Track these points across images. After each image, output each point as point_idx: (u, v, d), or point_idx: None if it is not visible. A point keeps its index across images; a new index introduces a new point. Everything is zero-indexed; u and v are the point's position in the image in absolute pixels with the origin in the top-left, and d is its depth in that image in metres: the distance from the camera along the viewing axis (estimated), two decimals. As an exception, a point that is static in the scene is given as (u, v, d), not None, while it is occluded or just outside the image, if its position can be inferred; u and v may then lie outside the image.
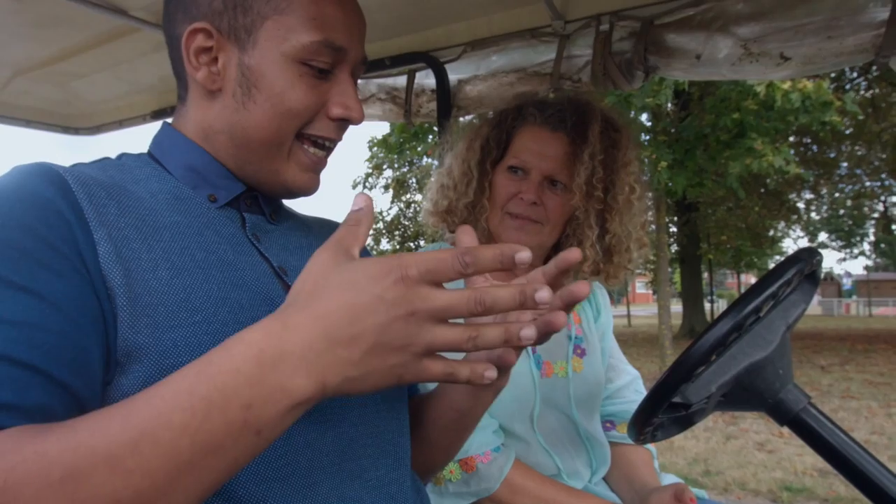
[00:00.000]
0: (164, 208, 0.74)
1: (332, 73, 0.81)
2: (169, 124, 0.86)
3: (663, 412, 0.90)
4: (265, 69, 0.77)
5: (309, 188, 0.85)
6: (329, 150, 0.86)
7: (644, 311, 38.91)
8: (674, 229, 17.67)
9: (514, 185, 1.36)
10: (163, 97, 2.38)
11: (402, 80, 2.03)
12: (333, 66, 0.81)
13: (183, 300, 0.67)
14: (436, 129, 1.96)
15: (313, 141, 0.83)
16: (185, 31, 0.78)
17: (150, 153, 0.85)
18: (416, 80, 2.01)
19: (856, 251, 29.98)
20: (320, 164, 0.85)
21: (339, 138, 0.86)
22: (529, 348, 1.34)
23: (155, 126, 0.93)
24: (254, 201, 0.85)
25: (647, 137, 11.55)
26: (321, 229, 0.98)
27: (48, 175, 0.66)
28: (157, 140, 0.86)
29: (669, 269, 17.05)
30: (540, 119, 1.37)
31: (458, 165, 1.42)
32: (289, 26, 0.77)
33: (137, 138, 0.87)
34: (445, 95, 1.91)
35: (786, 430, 0.88)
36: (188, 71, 0.80)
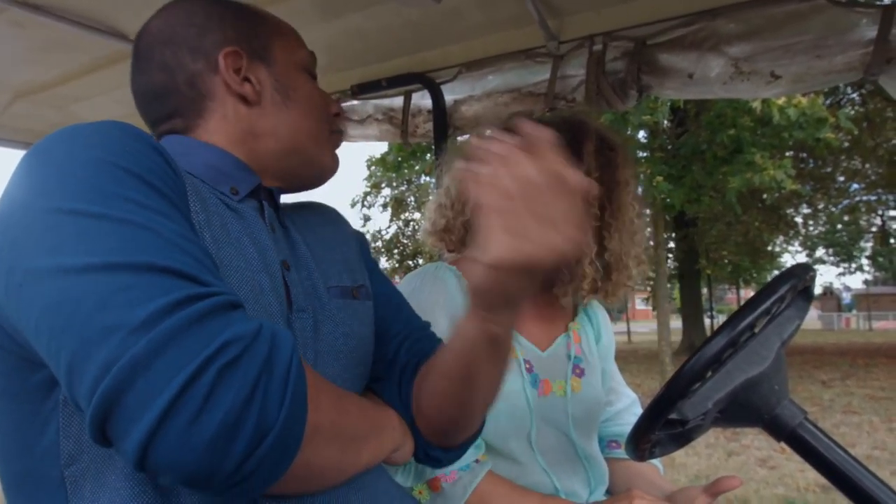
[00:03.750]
0: (202, 187, 0.80)
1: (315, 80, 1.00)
2: (176, 134, 0.90)
3: (660, 429, 0.90)
4: (291, 77, 0.93)
5: (336, 167, 1.00)
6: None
7: (644, 328, 38.85)
8: (672, 245, 17.69)
9: None
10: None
11: (398, 101, 2.05)
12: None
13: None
14: (433, 148, 1.98)
15: (337, 134, 1.01)
16: (220, 56, 0.87)
17: None
18: (412, 101, 2.03)
19: (853, 265, 29.99)
20: (339, 144, 1.03)
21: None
22: (524, 366, 1.34)
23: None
24: (269, 195, 0.91)
25: (645, 154, 11.61)
26: (315, 221, 1.03)
27: (145, 135, 0.72)
28: (168, 145, 0.88)
29: (668, 285, 17.05)
30: None
31: (456, 184, 1.43)
32: (290, 44, 0.95)
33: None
34: (441, 116, 1.92)
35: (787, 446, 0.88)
36: (218, 90, 0.88)
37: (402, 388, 0.92)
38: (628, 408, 1.54)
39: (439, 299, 1.32)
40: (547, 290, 1.48)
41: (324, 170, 0.97)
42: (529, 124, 0.70)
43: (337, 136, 1.00)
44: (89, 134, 0.67)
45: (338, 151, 1.01)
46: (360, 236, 1.09)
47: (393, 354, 0.95)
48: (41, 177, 0.63)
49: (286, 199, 0.99)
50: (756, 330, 0.90)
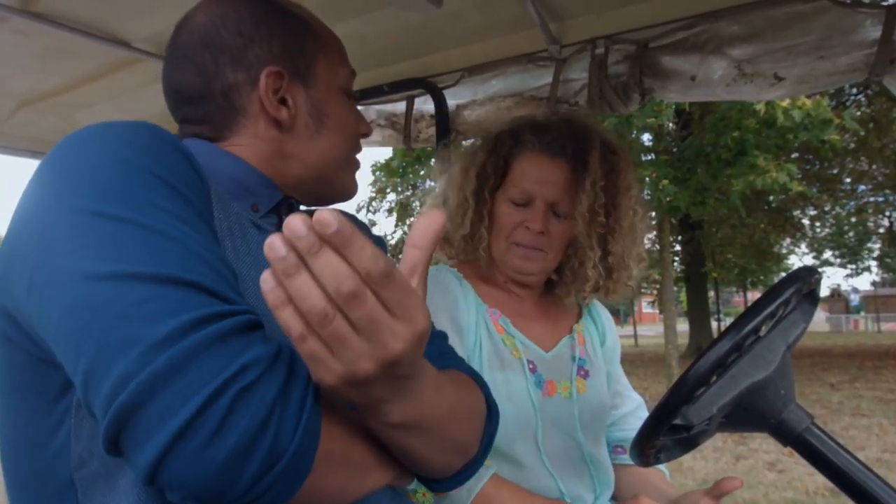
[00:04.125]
0: (226, 197, 0.80)
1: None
2: (206, 141, 0.88)
3: (665, 434, 0.89)
4: (329, 101, 0.91)
5: (356, 190, 1.01)
6: None
7: (650, 331, 38.73)
8: (678, 248, 17.63)
9: (518, 214, 1.35)
10: (163, 128, 2.40)
11: (401, 107, 2.05)
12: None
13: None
14: (436, 152, 1.98)
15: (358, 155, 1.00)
16: (262, 76, 0.85)
17: None
18: (415, 106, 2.03)
19: (861, 267, 29.82)
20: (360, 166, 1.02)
21: None
22: (528, 366, 1.34)
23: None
24: (289, 209, 0.91)
25: (650, 157, 11.59)
26: None
27: (175, 140, 0.72)
28: (194, 150, 0.88)
29: (675, 288, 16.99)
30: (539, 146, 1.36)
31: (455, 195, 1.42)
32: (334, 62, 0.93)
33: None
34: (444, 120, 1.92)
35: (794, 450, 0.87)
36: (252, 109, 0.87)
37: None
38: (634, 411, 1.53)
39: (440, 301, 1.32)
40: (550, 291, 1.48)
41: (345, 194, 0.99)
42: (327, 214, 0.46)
43: (358, 160, 1.00)
44: (121, 132, 0.67)
45: None
46: (378, 241, 1.09)
47: None
48: (71, 173, 0.63)
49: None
50: (761, 334, 0.89)
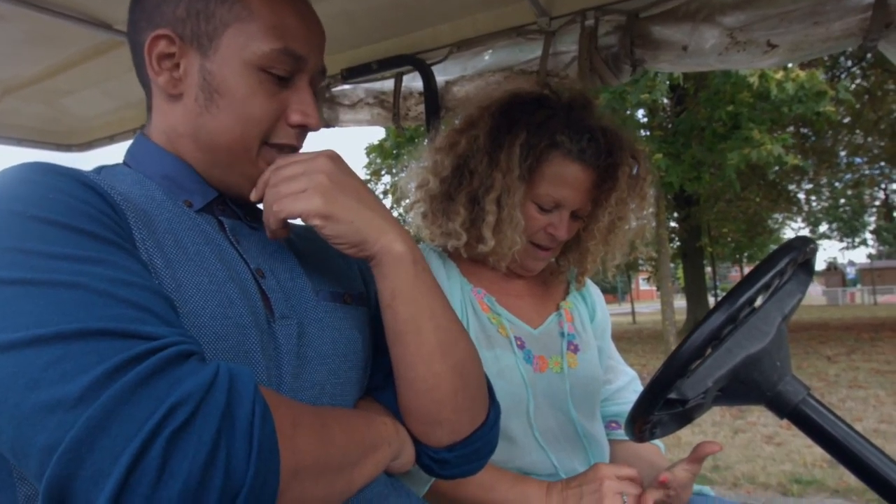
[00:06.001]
0: (152, 208, 0.76)
1: (291, 81, 0.84)
2: (143, 135, 0.87)
3: (660, 409, 0.88)
4: (227, 75, 0.79)
5: None
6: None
7: (648, 308, 38.88)
8: (674, 224, 17.63)
9: (544, 217, 1.33)
10: (151, 111, 2.37)
11: (389, 84, 2.02)
12: (293, 74, 0.83)
13: (174, 289, 0.68)
14: (426, 130, 1.95)
15: (278, 148, 0.85)
16: (148, 38, 0.79)
17: (125, 163, 0.86)
18: (403, 84, 2.00)
19: (857, 240, 29.91)
20: None
21: (301, 145, 0.88)
22: (515, 342, 1.33)
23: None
24: (227, 206, 0.86)
25: (645, 133, 11.55)
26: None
27: (70, 172, 0.68)
28: (132, 151, 0.87)
29: (672, 265, 17.02)
30: (575, 152, 1.29)
31: (464, 180, 1.35)
32: (250, 34, 0.79)
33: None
34: (433, 97, 1.89)
35: (791, 422, 0.86)
36: (150, 76, 0.82)
37: None
38: (628, 385, 1.53)
39: None
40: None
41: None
42: None
43: (275, 154, 0.84)
44: (4, 185, 0.63)
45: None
46: None
47: (390, 365, 0.91)
48: None
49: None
50: (756, 305, 0.88)
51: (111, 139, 2.52)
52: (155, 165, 0.83)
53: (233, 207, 0.87)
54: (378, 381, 0.93)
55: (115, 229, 0.65)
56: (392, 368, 0.88)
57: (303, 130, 0.86)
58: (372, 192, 0.83)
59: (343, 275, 0.95)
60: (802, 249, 0.87)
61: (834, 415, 0.84)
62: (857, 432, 0.83)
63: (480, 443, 0.90)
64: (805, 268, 0.92)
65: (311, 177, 0.77)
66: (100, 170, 0.84)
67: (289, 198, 0.77)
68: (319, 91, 1.88)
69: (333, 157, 0.80)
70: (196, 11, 0.79)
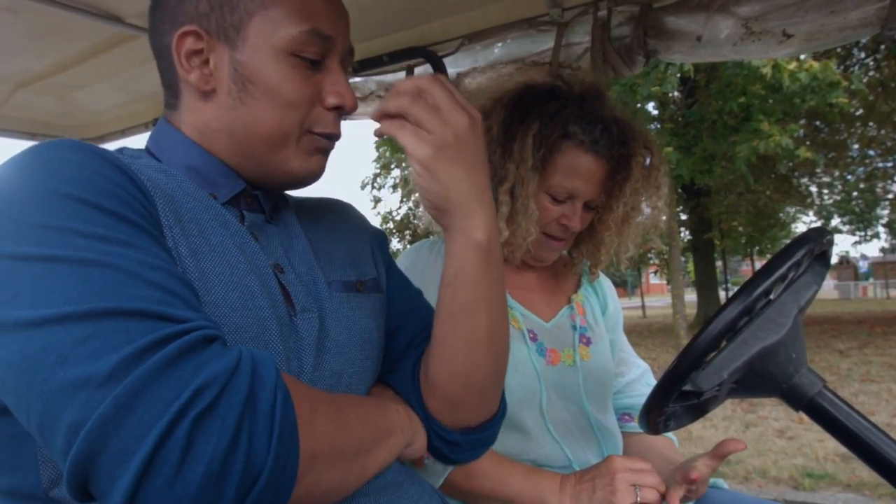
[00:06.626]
0: (178, 195, 0.76)
1: (323, 64, 0.83)
2: (167, 122, 0.86)
3: (674, 401, 0.88)
4: (258, 64, 0.78)
5: (317, 172, 0.86)
6: (333, 140, 0.88)
7: (659, 302, 38.72)
8: (685, 217, 17.54)
9: (557, 208, 1.33)
10: (163, 105, 2.37)
11: (400, 77, 2.01)
12: (323, 57, 0.82)
13: (198, 278, 0.69)
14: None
15: (318, 137, 0.84)
16: (175, 37, 0.78)
17: (147, 150, 0.85)
18: (414, 76, 1.99)
19: (870, 234, 29.65)
20: (329, 147, 0.87)
21: (339, 131, 0.87)
22: (528, 335, 1.33)
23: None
24: (254, 200, 0.86)
25: (656, 126, 11.48)
26: (324, 216, 0.98)
27: (104, 153, 0.68)
28: (156, 138, 0.86)
29: (682, 258, 16.95)
30: (588, 143, 1.30)
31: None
32: (276, 20, 0.78)
33: (141, 146, 0.88)
34: (445, 90, 1.88)
35: (805, 415, 0.85)
36: (180, 75, 0.81)
37: (414, 379, 0.90)
38: (640, 378, 1.53)
39: (435, 273, 1.31)
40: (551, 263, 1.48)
41: (292, 177, 0.84)
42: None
43: (316, 139, 0.83)
44: (41, 161, 0.64)
45: (346, 131, 0.91)
46: (377, 234, 1.06)
47: (403, 349, 0.93)
48: None
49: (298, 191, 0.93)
50: (772, 297, 0.87)
51: (123, 133, 2.52)
52: (180, 155, 0.82)
53: (260, 201, 0.86)
54: (391, 364, 0.94)
55: (144, 214, 0.66)
56: (403, 352, 0.90)
57: (339, 113, 0.85)
58: (486, 172, 0.81)
59: (356, 260, 0.95)
60: (819, 241, 0.87)
61: (850, 407, 0.83)
62: (874, 425, 0.82)
63: (489, 432, 0.93)
64: (821, 259, 0.92)
65: (444, 125, 0.74)
66: (122, 151, 0.84)
67: (409, 128, 0.75)
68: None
69: (475, 122, 0.78)
70: (219, 4, 0.78)
